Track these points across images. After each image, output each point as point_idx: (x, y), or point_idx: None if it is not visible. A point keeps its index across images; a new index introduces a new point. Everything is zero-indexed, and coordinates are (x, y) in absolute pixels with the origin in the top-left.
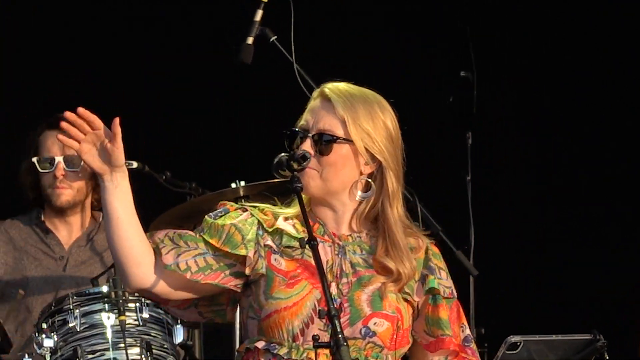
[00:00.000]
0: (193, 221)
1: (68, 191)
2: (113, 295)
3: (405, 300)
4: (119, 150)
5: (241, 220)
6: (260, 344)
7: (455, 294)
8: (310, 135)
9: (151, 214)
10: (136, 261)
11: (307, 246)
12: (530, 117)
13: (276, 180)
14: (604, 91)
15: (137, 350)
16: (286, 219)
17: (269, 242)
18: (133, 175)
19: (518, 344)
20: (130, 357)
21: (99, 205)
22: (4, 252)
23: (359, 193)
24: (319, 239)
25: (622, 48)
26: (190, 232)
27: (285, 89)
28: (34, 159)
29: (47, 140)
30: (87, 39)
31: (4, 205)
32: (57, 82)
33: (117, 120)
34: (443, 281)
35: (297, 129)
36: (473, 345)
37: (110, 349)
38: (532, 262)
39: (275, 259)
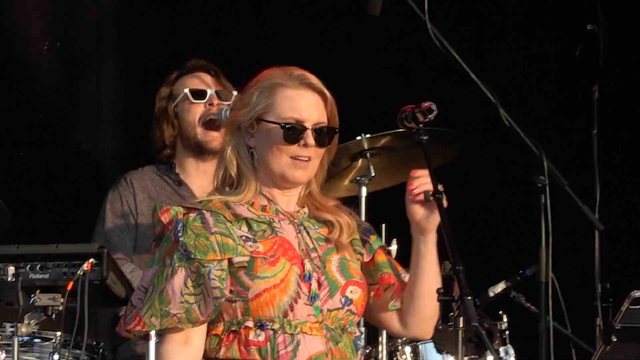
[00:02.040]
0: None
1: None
2: None
3: (360, 263)
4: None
5: (215, 224)
6: (250, 323)
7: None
8: (310, 127)
9: None
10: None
11: (269, 225)
12: None
13: (400, 130)
14: None
15: None
16: (237, 205)
17: (240, 231)
18: None
19: None
20: None
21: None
22: (140, 201)
23: None
24: (276, 219)
25: None
26: (188, 285)
27: (412, 44)
28: (186, 90)
29: (194, 79)
30: None
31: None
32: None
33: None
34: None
35: (296, 123)
36: None
37: None
38: None
39: (250, 246)
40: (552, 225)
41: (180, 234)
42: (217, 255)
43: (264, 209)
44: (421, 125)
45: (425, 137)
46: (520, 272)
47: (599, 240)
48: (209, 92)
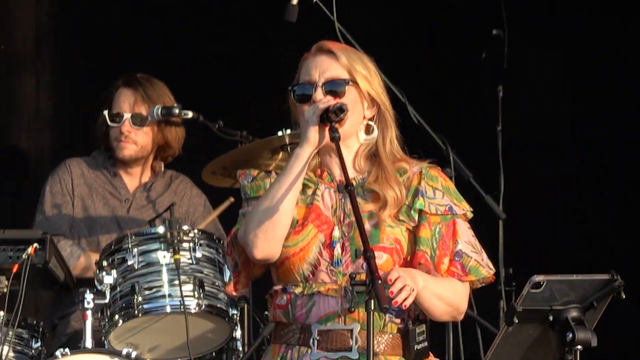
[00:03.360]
0: (242, 166)
1: (132, 146)
2: (169, 235)
3: (406, 228)
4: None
5: (272, 179)
6: (278, 287)
7: (455, 211)
8: (320, 84)
9: (205, 160)
10: (285, 231)
11: (314, 191)
12: (560, 74)
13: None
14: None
15: (190, 287)
16: None
17: None
18: (189, 124)
19: (541, 283)
20: (183, 294)
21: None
22: (77, 185)
23: (364, 135)
24: (325, 185)
25: None
26: (247, 208)
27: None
28: (105, 112)
29: (120, 97)
30: None
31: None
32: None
33: None
34: (436, 200)
35: (303, 83)
36: (464, 260)
37: (166, 286)
38: (557, 207)
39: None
40: None
41: (245, 182)
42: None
43: (320, 176)
44: (333, 124)
45: (337, 134)
46: None
47: (502, 229)
48: (125, 116)
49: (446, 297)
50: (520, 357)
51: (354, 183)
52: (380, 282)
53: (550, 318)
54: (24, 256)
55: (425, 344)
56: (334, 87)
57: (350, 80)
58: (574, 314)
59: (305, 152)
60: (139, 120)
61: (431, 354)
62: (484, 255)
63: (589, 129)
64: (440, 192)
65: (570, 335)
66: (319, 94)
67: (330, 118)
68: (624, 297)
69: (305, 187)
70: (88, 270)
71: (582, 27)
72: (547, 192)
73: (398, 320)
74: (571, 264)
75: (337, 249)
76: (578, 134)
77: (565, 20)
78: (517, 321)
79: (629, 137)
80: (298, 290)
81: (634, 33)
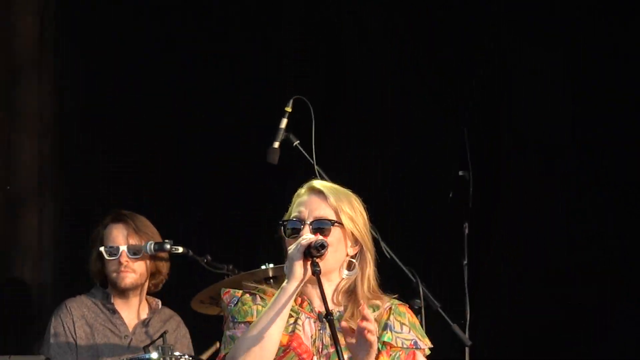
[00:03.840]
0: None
1: (132, 275)
2: (162, 359)
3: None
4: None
5: (258, 304)
6: None
7: (419, 345)
8: (308, 222)
9: (194, 291)
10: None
11: (295, 320)
12: (560, 74)
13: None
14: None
15: None
16: None
17: None
18: (178, 258)
19: None
20: None
21: (154, 288)
22: (79, 327)
23: (346, 272)
24: (305, 315)
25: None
26: (231, 332)
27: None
28: (101, 248)
29: (112, 232)
30: None
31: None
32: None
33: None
34: (402, 334)
35: (294, 219)
36: None
37: None
38: (557, 207)
39: None
40: None
41: (231, 306)
42: (254, 319)
43: (301, 304)
44: (314, 258)
45: (318, 269)
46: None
47: (469, 355)
48: (121, 248)
49: None
50: None
51: (332, 315)
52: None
53: None
54: None
55: None
56: (320, 226)
57: (335, 221)
58: None
59: (292, 287)
60: (133, 251)
61: None
62: None
63: (589, 129)
64: (407, 327)
65: None
66: (305, 231)
67: (312, 253)
68: None
69: (290, 316)
70: None
71: (582, 27)
72: (513, 321)
73: None
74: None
75: None
76: (578, 134)
77: (565, 20)
78: None
79: (629, 137)
80: None
81: (634, 33)
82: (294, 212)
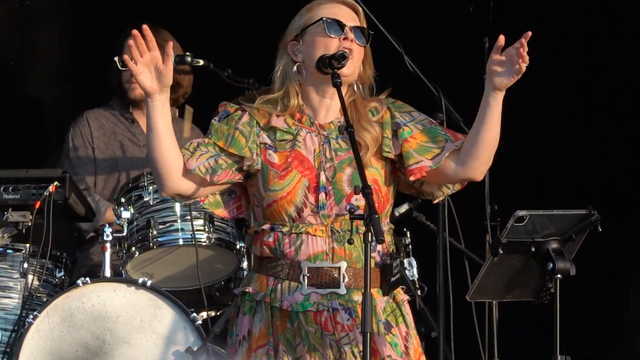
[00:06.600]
0: None
1: None
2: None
3: (386, 158)
4: (170, 71)
5: (243, 124)
6: (266, 226)
7: (433, 120)
8: (349, 26)
9: (214, 105)
10: (173, 169)
11: (294, 137)
12: (560, 74)
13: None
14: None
15: (201, 222)
16: (278, 115)
17: (265, 139)
18: (199, 71)
19: (524, 217)
20: (195, 228)
21: (174, 103)
22: (97, 138)
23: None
24: (306, 130)
25: None
26: (204, 139)
27: None
28: (115, 58)
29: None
30: None
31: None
32: None
33: (144, 26)
34: (415, 119)
35: (337, 20)
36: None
37: (179, 221)
38: (541, 152)
39: (269, 154)
40: None
41: (217, 119)
42: (225, 145)
43: (300, 120)
44: (335, 70)
45: (339, 80)
46: None
47: (489, 171)
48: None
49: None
50: (505, 286)
51: (332, 127)
52: (377, 216)
53: (532, 249)
54: (45, 193)
55: (398, 276)
56: (362, 33)
57: (372, 32)
58: (554, 245)
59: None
60: None
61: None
62: None
63: (589, 128)
64: (414, 113)
65: (551, 265)
66: (349, 34)
67: (333, 65)
68: (600, 230)
69: (279, 132)
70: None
71: (582, 27)
72: (528, 140)
73: (377, 256)
74: (553, 201)
75: (322, 194)
76: (578, 134)
77: (565, 20)
78: (501, 252)
79: (629, 136)
80: (285, 229)
81: (634, 33)
82: (328, 15)
